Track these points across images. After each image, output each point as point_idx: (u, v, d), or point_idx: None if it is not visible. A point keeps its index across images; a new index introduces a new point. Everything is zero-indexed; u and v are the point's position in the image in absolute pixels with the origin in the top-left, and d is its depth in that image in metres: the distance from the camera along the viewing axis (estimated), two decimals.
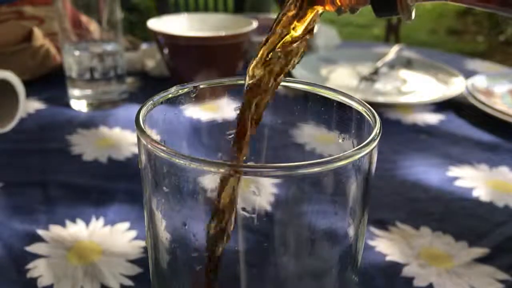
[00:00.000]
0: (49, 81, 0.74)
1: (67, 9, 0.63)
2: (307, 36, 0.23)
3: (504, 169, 0.55)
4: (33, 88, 0.69)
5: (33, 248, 0.40)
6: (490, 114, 0.65)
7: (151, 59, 0.83)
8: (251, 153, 0.27)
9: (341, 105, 0.27)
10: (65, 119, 0.65)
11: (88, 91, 0.67)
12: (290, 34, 0.23)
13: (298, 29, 0.23)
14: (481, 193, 0.50)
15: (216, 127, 0.30)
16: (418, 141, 0.62)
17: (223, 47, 0.69)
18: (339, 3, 0.22)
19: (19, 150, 0.57)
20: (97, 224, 0.43)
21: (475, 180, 0.52)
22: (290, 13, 0.23)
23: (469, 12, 3.92)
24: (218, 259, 0.25)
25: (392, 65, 0.84)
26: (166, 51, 0.71)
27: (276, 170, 0.23)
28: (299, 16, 0.23)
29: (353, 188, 0.24)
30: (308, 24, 0.23)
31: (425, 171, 0.54)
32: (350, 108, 0.27)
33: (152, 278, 0.28)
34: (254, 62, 0.24)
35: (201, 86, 0.28)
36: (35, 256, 0.39)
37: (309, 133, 0.42)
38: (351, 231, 0.25)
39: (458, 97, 0.71)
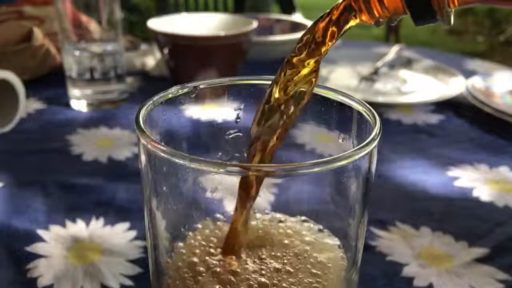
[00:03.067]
0: (49, 81, 0.74)
1: (67, 9, 0.63)
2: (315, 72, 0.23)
3: (504, 169, 0.55)
4: (33, 88, 0.69)
5: (33, 248, 0.40)
6: (490, 114, 0.65)
7: (151, 59, 0.83)
8: None
9: (341, 105, 0.27)
10: (65, 119, 0.65)
11: (88, 91, 0.67)
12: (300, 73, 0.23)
13: (309, 65, 0.23)
14: (481, 193, 0.50)
15: (216, 127, 0.30)
16: (418, 141, 0.62)
17: (223, 47, 0.69)
18: (377, 15, 0.22)
19: (19, 150, 0.57)
20: (97, 224, 0.43)
21: (475, 180, 0.52)
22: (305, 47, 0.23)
23: (469, 12, 3.92)
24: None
25: (392, 65, 0.85)
26: (166, 51, 0.71)
27: (276, 170, 0.23)
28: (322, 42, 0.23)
29: (353, 188, 0.24)
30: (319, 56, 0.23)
31: (425, 171, 0.54)
32: (350, 108, 0.27)
33: (152, 278, 0.28)
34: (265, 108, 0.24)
35: (201, 86, 0.28)
36: (35, 256, 0.39)
37: (309, 133, 0.42)
38: (351, 231, 0.25)
39: (458, 97, 0.71)
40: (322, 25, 0.23)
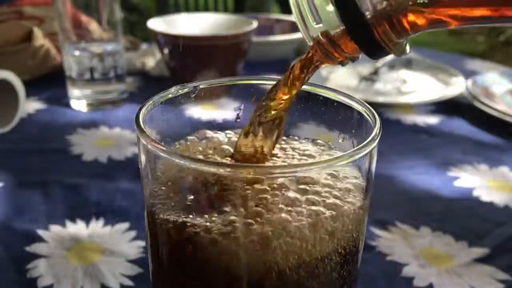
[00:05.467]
0: (49, 81, 0.74)
1: (67, 9, 0.63)
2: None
3: (504, 169, 0.55)
4: (33, 88, 0.69)
5: (33, 248, 0.40)
6: (490, 114, 0.65)
7: (151, 59, 0.83)
8: None
9: (341, 105, 0.27)
10: (65, 119, 0.65)
11: (88, 91, 0.67)
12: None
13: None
14: (481, 193, 0.50)
15: (216, 127, 0.30)
16: (418, 141, 0.62)
17: (223, 47, 0.69)
18: (339, 59, 0.24)
19: (19, 150, 0.57)
20: (97, 224, 0.43)
21: (475, 180, 0.52)
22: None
23: None
24: None
25: (392, 65, 0.84)
26: (166, 51, 0.71)
27: (276, 169, 0.23)
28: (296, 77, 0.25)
29: (354, 188, 0.24)
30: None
31: (425, 171, 0.54)
32: (350, 108, 0.27)
33: (152, 278, 0.28)
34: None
35: (201, 86, 0.28)
36: (35, 256, 0.39)
37: (309, 133, 0.42)
38: (351, 232, 0.25)
39: (458, 97, 0.71)
40: (292, 74, 0.25)
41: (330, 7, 0.22)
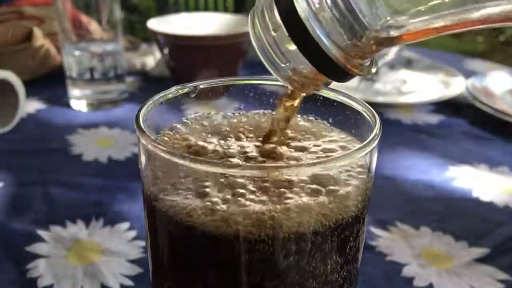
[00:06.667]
0: (49, 81, 0.74)
1: (67, 9, 0.63)
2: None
3: (504, 169, 0.55)
4: (33, 88, 0.69)
5: (33, 248, 0.40)
6: (490, 114, 0.65)
7: (151, 59, 0.83)
8: None
9: (341, 105, 0.27)
10: (65, 119, 0.65)
11: (88, 91, 0.67)
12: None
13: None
14: (481, 193, 0.50)
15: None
16: (418, 141, 0.62)
17: (223, 47, 0.69)
18: (313, 87, 0.25)
19: (19, 150, 0.57)
20: (97, 224, 0.43)
21: (475, 180, 0.52)
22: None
23: None
24: None
25: (392, 65, 0.84)
26: (166, 51, 0.71)
27: (277, 170, 0.23)
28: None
29: (353, 188, 0.24)
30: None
31: (425, 171, 0.54)
32: (350, 108, 0.27)
33: (152, 278, 0.28)
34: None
35: (201, 86, 0.28)
36: (35, 256, 0.39)
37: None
38: (351, 231, 0.25)
39: (458, 97, 0.71)
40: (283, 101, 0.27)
41: (293, 46, 0.23)
